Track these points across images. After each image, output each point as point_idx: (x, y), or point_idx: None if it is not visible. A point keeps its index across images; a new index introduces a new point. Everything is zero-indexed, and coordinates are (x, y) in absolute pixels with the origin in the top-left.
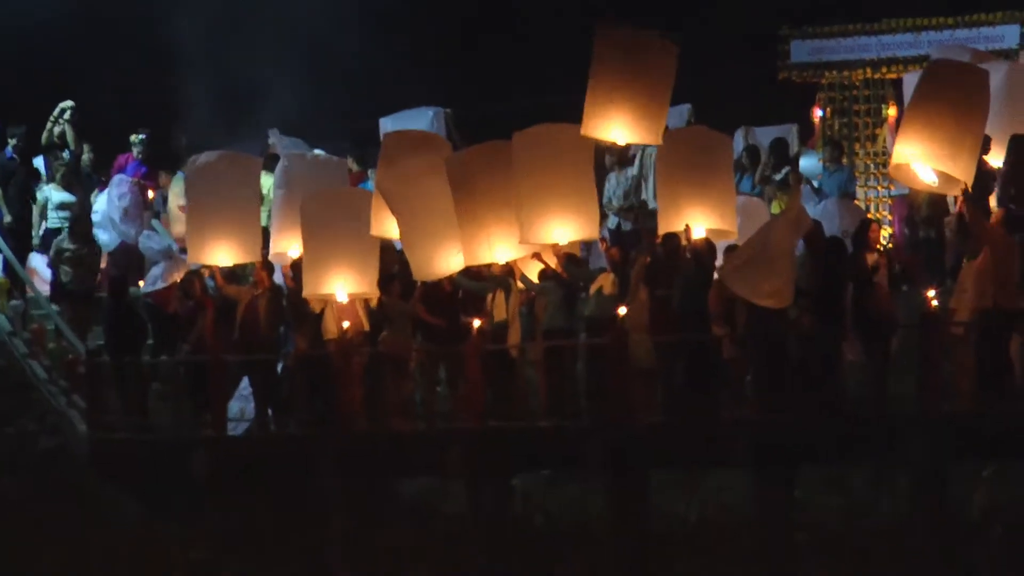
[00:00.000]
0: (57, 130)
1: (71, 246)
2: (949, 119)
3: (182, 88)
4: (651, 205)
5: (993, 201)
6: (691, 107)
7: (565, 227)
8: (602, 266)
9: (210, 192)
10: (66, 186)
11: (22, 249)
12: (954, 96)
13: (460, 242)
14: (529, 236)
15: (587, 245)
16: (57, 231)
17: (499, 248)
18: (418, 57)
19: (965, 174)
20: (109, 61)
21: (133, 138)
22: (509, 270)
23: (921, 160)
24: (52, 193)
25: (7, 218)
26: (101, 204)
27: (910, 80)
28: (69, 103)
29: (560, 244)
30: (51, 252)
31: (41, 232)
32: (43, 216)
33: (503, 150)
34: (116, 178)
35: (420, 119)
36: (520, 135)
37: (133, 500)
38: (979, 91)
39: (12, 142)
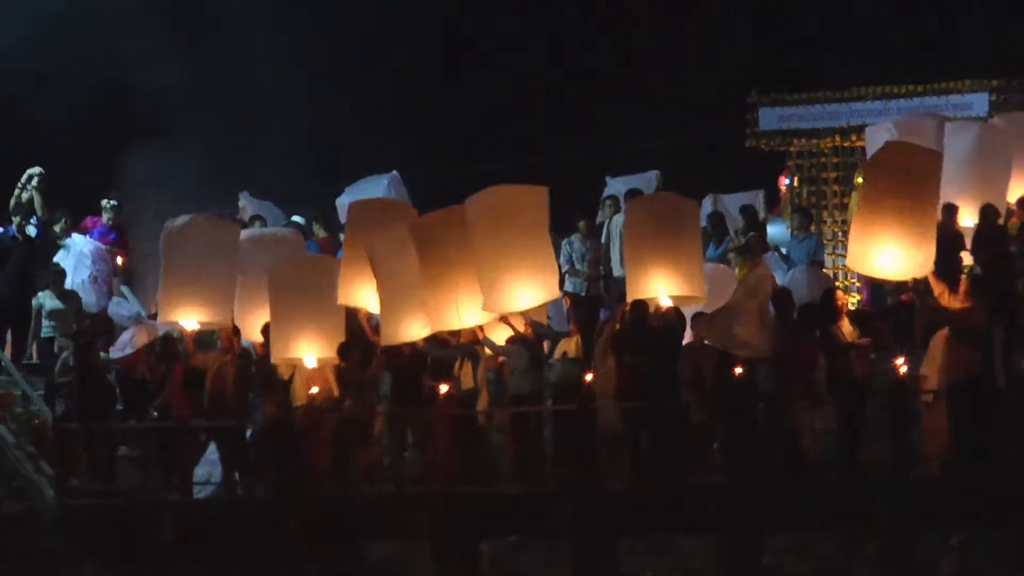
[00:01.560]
0: (25, 196)
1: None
2: (895, 227)
3: (152, 152)
4: (616, 272)
5: (967, 259)
6: (659, 173)
7: (528, 292)
8: (563, 331)
9: (186, 253)
10: (60, 295)
11: (13, 324)
12: (898, 197)
13: (426, 307)
14: (493, 305)
15: (554, 305)
16: (50, 340)
17: (466, 313)
18: (378, 118)
19: (919, 272)
20: (79, 124)
21: (105, 203)
22: (476, 339)
23: (874, 272)
24: (46, 301)
25: None
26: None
27: (872, 132)
28: (37, 169)
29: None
30: (57, 367)
31: (33, 340)
32: (36, 323)
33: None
34: (83, 240)
35: (376, 187)
36: (472, 200)
37: (100, 565)
38: (927, 178)
39: (16, 220)
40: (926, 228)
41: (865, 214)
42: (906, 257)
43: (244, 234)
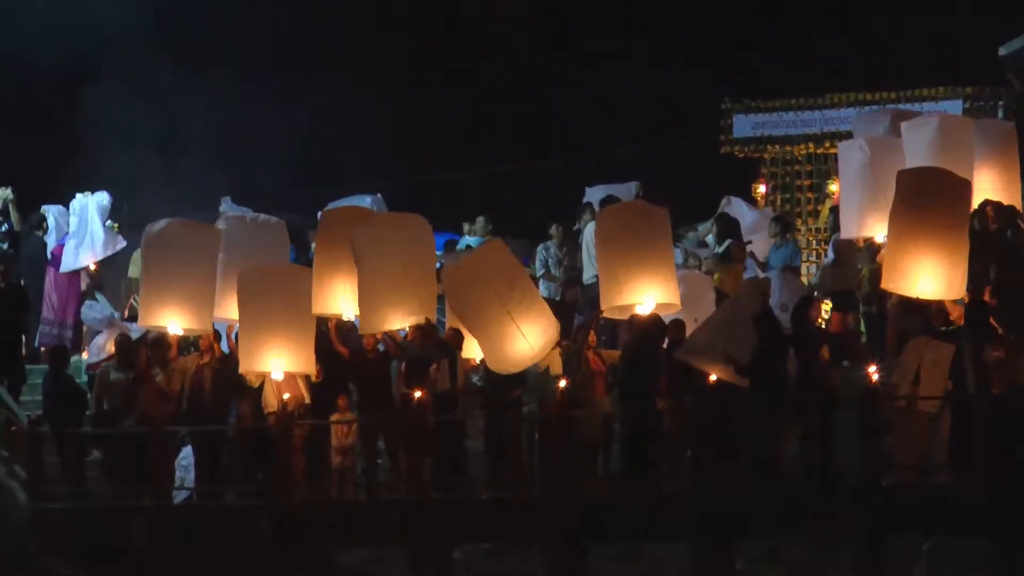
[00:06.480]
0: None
1: (119, 375)
2: (933, 248)
3: (130, 159)
4: (586, 278)
5: None
6: (639, 184)
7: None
8: None
9: (166, 257)
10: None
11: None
12: (933, 220)
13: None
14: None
15: None
16: None
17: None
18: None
19: (958, 292)
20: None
21: None
22: (455, 339)
23: (911, 293)
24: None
25: None
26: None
27: (844, 148)
28: (7, 191)
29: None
30: (96, 380)
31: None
32: None
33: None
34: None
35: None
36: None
37: (73, 569)
38: (961, 199)
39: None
40: (960, 252)
41: (901, 236)
42: (943, 279)
43: (225, 219)
